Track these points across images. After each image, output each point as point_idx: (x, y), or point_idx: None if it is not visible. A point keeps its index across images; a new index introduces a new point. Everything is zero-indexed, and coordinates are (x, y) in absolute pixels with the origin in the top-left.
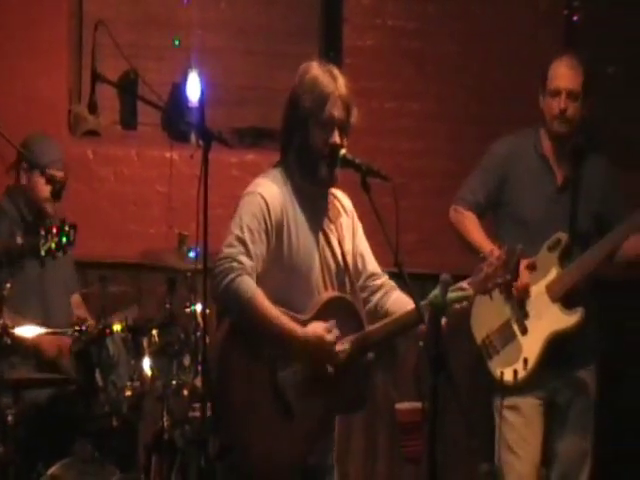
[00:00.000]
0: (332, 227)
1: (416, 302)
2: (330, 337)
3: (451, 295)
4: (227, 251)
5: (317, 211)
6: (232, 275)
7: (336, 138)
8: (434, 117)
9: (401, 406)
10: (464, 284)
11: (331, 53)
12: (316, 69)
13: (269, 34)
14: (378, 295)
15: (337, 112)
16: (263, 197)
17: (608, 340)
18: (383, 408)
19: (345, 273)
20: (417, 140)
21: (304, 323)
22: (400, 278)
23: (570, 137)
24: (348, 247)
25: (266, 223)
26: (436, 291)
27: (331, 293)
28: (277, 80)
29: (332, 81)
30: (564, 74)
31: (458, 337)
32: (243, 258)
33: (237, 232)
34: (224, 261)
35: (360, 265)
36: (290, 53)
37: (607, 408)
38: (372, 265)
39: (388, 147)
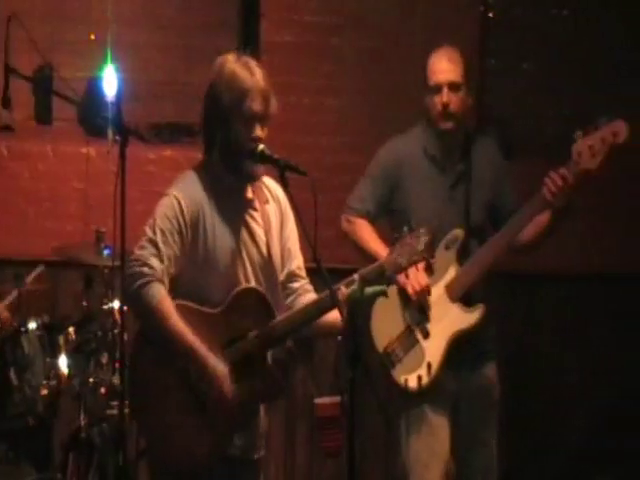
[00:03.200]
0: (258, 217)
1: (330, 286)
2: (225, 385)
3: (368, 290)
4: (138, 253)
5: (241, 205)
6: (141, 281)
7: (258, 132)
8: (353, 113)
9: (320, 401)
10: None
11: (248, 49)
12: (233, 63)
13: (186, 28)
14: (291, 298)
15: (257, 106)
16: (177, 198)
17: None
18: (302, 403)
19: (270, 265)
20: (336, 135)
21: (215, 318)
22: (319, 273)
23: (457, 131)
24: (275, 237)
25: (180, 224)
26: (354, 286)
27: (243, 285)
28: (195, 75)
29: (250, 75)
30: (443, 68)
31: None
32: (154, 261)
33: (149, 234)
34: (134, 263)
35: (285, 260)
36: (208, 48)
37: (515, 408)
38: (295, 263)
39: (307, 143)
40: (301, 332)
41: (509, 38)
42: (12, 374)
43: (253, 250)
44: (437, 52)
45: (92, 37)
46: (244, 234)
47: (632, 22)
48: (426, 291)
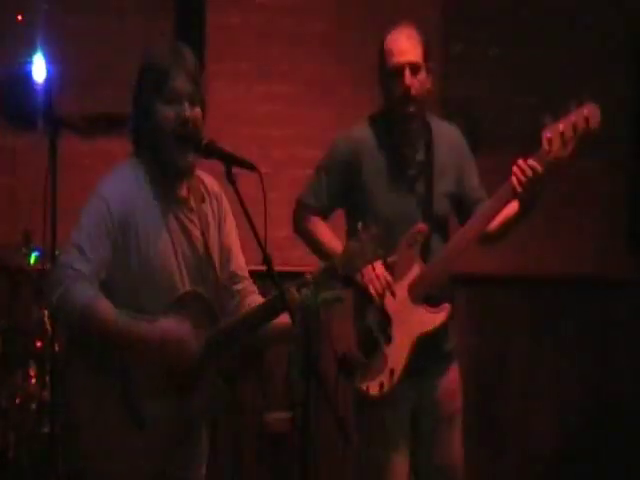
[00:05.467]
0: (193, 217)
1: (280, 288)
2: (179, 330)
3: (323, 295)
4: (62, 258)
5: (174, 202)
6: (65, 284)
7: (186, 112)
8: (305, 102)
9: (270, 416)
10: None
11: (192, 33)
12: (156, 48)
13: (121, 10)
14: (234, 302)
15: (181, 84)
16: (104, 198)
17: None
18: (250, 418)
19: (209, 267)
20: (287, 127)
21: (154, 322)
22: (268, 276)
23: (418, 117)
24: (213, 237)
25: (107, 227)
26: (307, 290)
27: (183, 289)
28: (131, 61)
29: (173, 54)
30: (402, 48)
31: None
32: (79, 265)
33: (74, 238)
34: (57, 270)
35: (224, 260)
36: (147, 31)
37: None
38: (236, 263)
39: (255, 134)
40: (248, 338)
41: (473, 21)
42: None
43: (189, 252)
44: (394, 31)
45: (19, 18)
46: (179, 235)
47: (603, 4)
48: (388, 292)
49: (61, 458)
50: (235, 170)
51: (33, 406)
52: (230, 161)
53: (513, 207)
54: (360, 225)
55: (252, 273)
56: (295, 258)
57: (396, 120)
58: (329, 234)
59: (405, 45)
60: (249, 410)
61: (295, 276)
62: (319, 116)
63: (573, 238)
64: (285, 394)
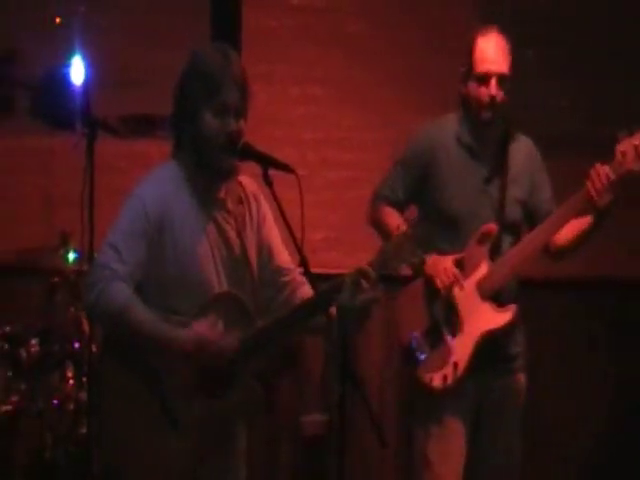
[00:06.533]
0: (230, 218)
1: (317, 288)
2: (213, 334)
3: (360, 297)
4: (98, 259)
5: (212, 204)
6: (102, 284)
7: (233, 126)
8: (340, 104)
9: (306, 418)
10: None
11: (228, 34)
12: (205, 51)
13: (159, 12)
14: (285, 293)
15: (231, 97)
16: (141, 199)
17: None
18: (286, 421)
19: (245, 268)
20: (322, 129)
21: (187, 324)
22: (305, 279)
23: (494, 123)
24: (251, 238)
25: (144, 227)
26: (343, 293)
27: (218, 290)
28: (168, 63)
29: (225, 63)
30: (493, 58)
31: (367, 342)
32: (116, 265)
33: (111, 238)
34: (94, 270)
35: (266, 258)
36: (182, 33)
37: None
38: (281, 258)
39: (290, 136)
40: (285, 340)
41: (505, 22)
42: None
43: (225, 253)
44: (485, 37)
45: (57, 21)
46: (215, 236)
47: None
48: (456, 286)
49: (97, 458)
50: (271, 172)
51: (70, 407)
52: (267, 163)
53: (585, 219)
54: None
55: None
56: (331, 260)
57: (474, 123)
58: (398, 222)
59: (496, 54)
60: (285, 412)
61: (331, 278)
62: (354, 118)
63: (626, 239)
64: (321, 396)
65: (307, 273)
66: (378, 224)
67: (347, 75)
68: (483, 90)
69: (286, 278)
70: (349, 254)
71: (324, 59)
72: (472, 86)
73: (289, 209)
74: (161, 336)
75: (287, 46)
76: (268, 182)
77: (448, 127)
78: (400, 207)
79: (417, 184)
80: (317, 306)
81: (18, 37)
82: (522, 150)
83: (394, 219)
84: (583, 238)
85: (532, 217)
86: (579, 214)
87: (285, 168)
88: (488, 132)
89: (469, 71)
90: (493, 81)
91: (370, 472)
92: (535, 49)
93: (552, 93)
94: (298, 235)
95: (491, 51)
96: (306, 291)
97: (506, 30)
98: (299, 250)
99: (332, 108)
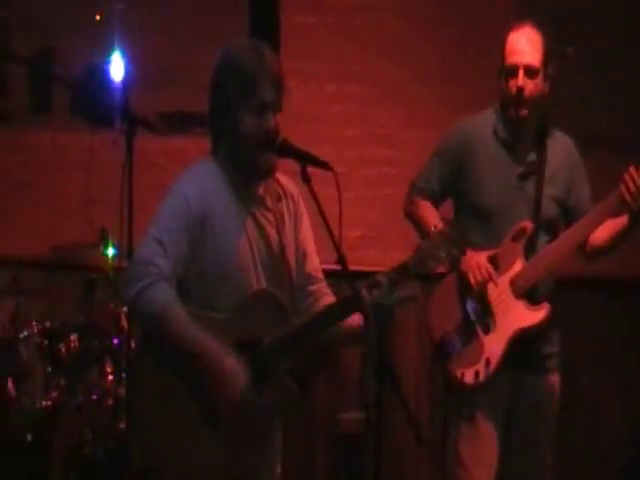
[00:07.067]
0: (269, 216)
1: (354, 287)
2: (238, 378)
3: (397, 294)
4: (142, 252)
5: (251, 201)
6: (145, 281)
7: (271, 122)
8: (377, 101)
9: (343, 416)
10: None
11: (265, 32)
12: (239, 46)
13: (197, 9)
14: (309, 301)
15: (268, 94)
16: (183, 194)
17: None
18: (323, 418)
19: (283, 266)
20: (359, 126)
21: (225, 323)
22: (342, 276)
23: (529, 119)
24: (289, 237)
25: (187, 222)
26: (381, 289)
27: (256, 287)
28: (206, 60)
29: (259, 60)
30: (521, 49)
31: (404, 339)
32: (160, 260)
33: (154, 232)
34: (138, 264)
35: (299, 261)
36: (220, 30)
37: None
38: (311, 265)
39: (328, 133)
40: (321, 339)
41: (550, 19)
42: (9, 385)
43: (264, 250)
44: (517, 30)
45: (97, 18)
46: (255, 233)
47: None
48: (489, 282)
49: (135, 455)
50: (309, 169)
51: (109, 402)
52: (305, 160)
53: (621, 220)
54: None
55: (326, 272)
56: (369, 258)
57: (507, 119)
58: (435, 218)
59: (525, 47)
60: (322, 410)
61: (369, 276)
62: (391, 116)
63: None
64: (358, 394)
65: (344, 270)
66: (414, 218)
67: (384, 72)
68: (512, 82)
69: (313, 287)
70: (386, 251)
71: (361, 56)
72: (503, 80)
73: (326, 206)
74: (193, 344)
75: (324, 43)
76: (306, 179)
77: (486, 121)
78: (436, 200)
79: (453, 177)
80: (351, 305)
81: (58, 34)
82: (560, 147)
83: (430, 215)
84: (618, 239)
85: (569, 215)
86: (614, 215)
87: (323, 165)
88: (523, 128)
89: (501, 66)
90: (521, 72)
91: (406, 470)
92: (575, 47)
93: (593, 91)
94: (336, 232)
95: (520, 44)
96: (328, 302)
97: (544, 27)
98: (337, 247)
99: (369, 105)
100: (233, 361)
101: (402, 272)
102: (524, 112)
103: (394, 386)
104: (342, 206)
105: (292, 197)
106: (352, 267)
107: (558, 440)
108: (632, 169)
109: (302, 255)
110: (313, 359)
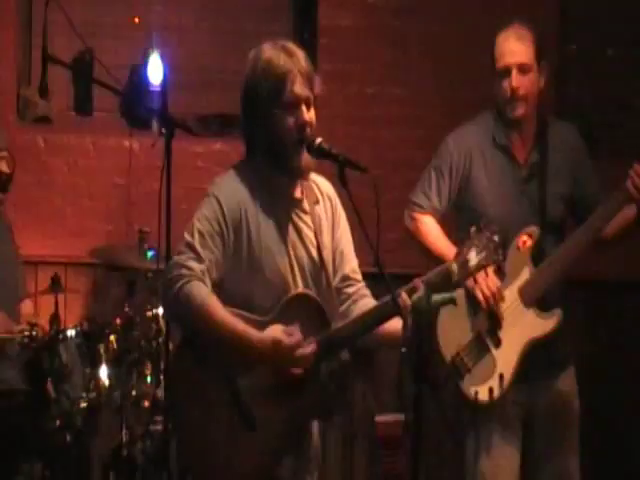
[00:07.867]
0: (307, 219)
1: (392, 291)
2: (290, 340)
3: (436, 298)
4: (176, 258)
5: (288, 205)
6: (181, 282)
7: (305, 116)
8: (417, 103)
9: (381, 418)
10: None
11: (305, 34)
12: (268, 49)
13: (237, 11)
14: (347, 303)
15: (300, 89)
16: (217, 199)
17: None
18: (361, 421)
19: (321, 269)
20: (399, 128)
21: (264, 325)
22: (380, 279)
23: (529, 116)
24: (327, 239)
25: (220, 226)
26: (419, 293)
27: (295, 290)
28: (245, 63)
29: (288, 58)
30: (511, 49)
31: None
32: (192, 263)
33: (187, 238)
34: (172, 268)
35: (337, 263)
36: (260, 32)
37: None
38: (350, 266)
39: (367, 136)
40: (359, 342)
41: (588, 22)
42: (49, 385)
43: (302, 253)
44: (505, 31)
45: (136, 20)
46: (292, 236)
47: None
48: (497, 297)
49: (173, 457)
50: (347, 172)
51: (147, 404)
52: (343, 162)
53: (630, 213)
54: (473, 229)
55: (364, 275)
56: (406, 260)
57: (506, 122)
58: (439, 235)
59: (515, 46)
60: (360, 412)
61: (406, 278)
62: (430, 117)
63: None
64: (396, 396)
65: (382, 273)
66: (415, 234)
67: (424, 75)
68: (505, 84)
69: (351, 289)
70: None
71: (401, 58)
72: (497, 82)
73: (364, 208)
74: (239, 335)
75: (363, 45)
76: (343, 181)
77: (482, 129)
78: (436, 213)
79: (451, 189)
80: (391, 309)
81: (97, 37)
82: (563, 140)
83: (433, 229)
84: (627, 233)
85: (576, 209)
86: (622, 211)
87: (360, 168)
88: (522, 128)
89: (493, 69)
90: (514, 72)
91: (444, 473)
92: (615, 49)
93: (633, 92)
94: (374, 235)
95: (508, 44)
96: (367, 303)
97: (586, 29)
98: (374, 250)
99: (408, 108)
100: (274, 329)
101: (445, 277)
102: (521, 111)
103: (431, 389)
104: (380, 208)
105: (329, 199)
106: (390, 270)
107: (599, 446)
108: (637, 165)
109: (340, 257)
110: (352, 362)
